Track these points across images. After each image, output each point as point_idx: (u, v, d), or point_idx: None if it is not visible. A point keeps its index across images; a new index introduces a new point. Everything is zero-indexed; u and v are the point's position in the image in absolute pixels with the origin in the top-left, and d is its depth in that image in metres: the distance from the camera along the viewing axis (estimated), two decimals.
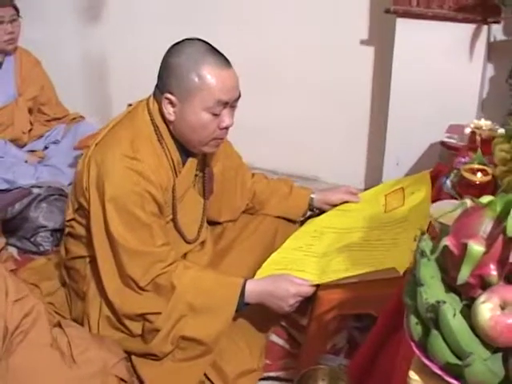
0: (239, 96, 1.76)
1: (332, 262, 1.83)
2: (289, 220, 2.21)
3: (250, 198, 2.19)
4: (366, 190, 2.45)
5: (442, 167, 2.19)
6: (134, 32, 3.43)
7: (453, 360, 0.93)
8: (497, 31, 2.59)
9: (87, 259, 1.86)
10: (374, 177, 3.10)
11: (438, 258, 1.02)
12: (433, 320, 0.94)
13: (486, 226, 0.95)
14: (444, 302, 0.93)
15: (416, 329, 0.98)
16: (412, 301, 1.01)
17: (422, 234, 1.05)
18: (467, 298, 1.00)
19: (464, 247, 0.95)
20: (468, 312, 0.96)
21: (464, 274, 0.94)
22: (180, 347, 1.74)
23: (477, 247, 0.93)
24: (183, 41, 1.75)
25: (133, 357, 1.78)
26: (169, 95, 1.71)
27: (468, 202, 1.00)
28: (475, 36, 2.44)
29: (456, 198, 1.65)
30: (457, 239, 0.97)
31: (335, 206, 2.22)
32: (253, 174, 2.23)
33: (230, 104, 1.74)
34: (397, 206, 2.07)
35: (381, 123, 2.89)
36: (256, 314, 1.87)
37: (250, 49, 3.10)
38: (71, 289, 1.94)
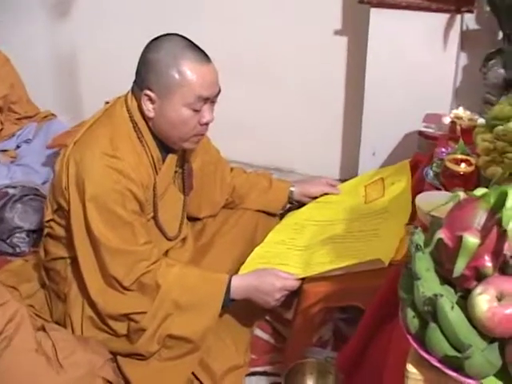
0: (219, 91, 1.76)
1: (315, 255, 1.84)
2: (269, 213, 2.21)
3: (230, 193, 2.18)
4: (341, 181, 2.46)
5: (420, 157, 2.21)
6: (104, 28, 3.37)
7: (451, 352, 0.94)
8: (469, 20, 2.62)
9: (68, 260, 1.83)
10: (350, 168, 3.10)
11: (432, 251, 1.03)
12: (430, 313, 0.95)
13: (480, 218, 0.96)
14: (441, 295, 0.93)
15: (413, 322, 0.99)
16: (408, 294, 1.02)
17: (416, 227, 1.05)
18: (462, 290, 1.01)
19: (459, 240, 0.96)
20: (463, 304, 0.97)
21: (460, 267, 0.95)
22: (166, 346, 1.73)
23: (472, 239, 0.94)
24: (162, 36, 1.73)
25: (118, 357, 1.76)
26: (148, 92, 1.69)
27: (461, 194, 1.00)
28: (449, 25, 2.45)
29: (440, 189, 1.66)
30: (451, 232, 0.98)
31: (315, 198, 2.23)
32: (231, 169, 2.22)
33: (211, 99, 1.73)
34: (377, 196, 2.08)
35: (356, 114, 2.89)
36: (240, 309, 1.86)
37: (223, 42, 3.08)
38: (51, 290, 1.91)
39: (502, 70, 2.37)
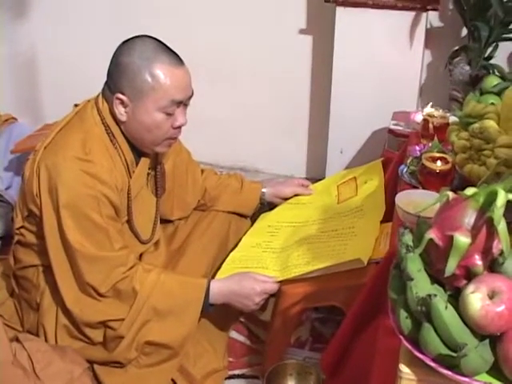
0: (192, 94, 1.75)
1: (292, 257, 1.85)
2: (241, 215, 2.22)
3: (202, 195, 2.18)
4: (309, 179, 2.48)
5: (390, 154, 2.24)
6: (64, 27, 3.32)
7: (445, 351, 0.96)
8: (433, 18, 2.67)
9: (40, 268, 1.80)
10: (317, 166, 3.13)
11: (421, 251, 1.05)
12: (424, 313, 0.97)
13: (470, 217, 0.98)
14: (435, 295, 0.95)
15: (405, 323, 1.01)
16: (399, 295, 1.03)
17: (405, 227, 1.07)
18: (451, 289, 1.03)
19: (450, 239, 0.98)
20: (454, 303, 0.99)
21: (451, 266, 0.97)
22: (145, 353, 1.71)
23: (463, 239, 0.96)
24: (133, 38, 1.71)
25: (95, 366, 1.74)
26: (120, 95, 1.67)
27: (449, 193, 1.03)
28: (414, 24, 2.50)
29: (417, 187, 1.68)
30: (441, 232, 1.00)
31: (287, 199, 2.25)
32: (202, 171, 2.22)
33: (184, 103, 1.73)
34: (350, 196, 2.11)
35: (323, 111, 2.92)
36: (216, 312, 1.86)
37: (186, 40, 3.06)
38: (22, 299, 1.87)
39: (467, 67, 2.43)
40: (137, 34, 1.73)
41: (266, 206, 2.27)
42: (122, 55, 1.68)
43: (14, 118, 2.97)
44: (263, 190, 2.22)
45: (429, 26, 2.67)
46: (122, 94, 1.67)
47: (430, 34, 2.70)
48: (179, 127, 1.76)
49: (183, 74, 1.70)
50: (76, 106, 1.84)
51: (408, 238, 1.06)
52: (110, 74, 1.71)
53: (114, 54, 1.71)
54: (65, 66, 3.37)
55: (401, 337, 1.02)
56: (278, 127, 3.23)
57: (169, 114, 1.70)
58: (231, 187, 2.20)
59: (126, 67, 1.66)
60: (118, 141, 1.74)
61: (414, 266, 1.01)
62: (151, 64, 1.65)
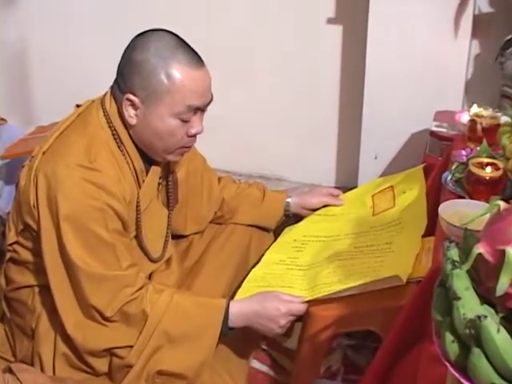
0: (211, 99, 1.77)
1: (321, 275, 1.86)
2: (263, 228, 2.25)
3: (219, 206, 2.21)
4: (341, 189, 2.49)
5: (432, 160, 2.25)
6: (57, 21, 3.38)
7: (498, 380, 0.96)
8: (482, 3, 2.66)
9: (36, 289, 1.83)
10: (348, 174, 3.14)
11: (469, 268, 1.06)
12: (473, 337, 0.98)
13: None
14: (485, 317, 0.96)
15: (452, 348, 1.02)
16: (444, 317, 1.05)
17: (450, 241, 1.09)
18: (503, 310, 1.04)
19: (501, 254, 0.99)
20: (507, 325, 1.00)
21: (503, 284, 0.98)
22: None
23: None
24: (149, 32, 1.72)
25: None
26: (131, 96, 1.69)
27: (500, 203, 1.04)
28: (460, 9, 2.50)
29: (463, 197, 1.69)
30: (492, 246, 1.01)
31: (315, 210, 2.27)
32: (219, 179, 2.25)
33: (201, 109, 1.75)
34: (386, 207, 2.12)
35: (355, 112, 2.93)
36: (236, 336, 1.88)
37: (201, 34, 3.10)
38: (14, 325, 1.89)
39: None
40: (150, 28, 1.74)
41: (291, 218, 2.29)
42: (136, 51, 1.69)
43: (2, 119, 2.99)
44: (288, 200, 2.25)
45: (477, 11, 2.66)
46: (134, 94, 1.69)
47: (479, 21, 2.68)
48: (195, 135, 1.78)
49: (203, 76, 1.72)
50: (78, 106, 1.86)
51: (454, 253, 1.07)
52: (121, 71, 1.73)
53: (127, 48, 1.73)
54: (60, 60, 3.43)
55: (447, 364, 1.02)
56: (303, 129, 3.25)
57: (184, 121, 1.72)
58: (252, 197, 2.23)
59: (139, 65, 1.68)
60: (126, 147, 1.77)
61: (461, 283, 1.02)
62: (168, 63, 1.66)
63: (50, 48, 3.44)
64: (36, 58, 3.51)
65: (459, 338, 1.01)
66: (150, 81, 1.67)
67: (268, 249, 2.14)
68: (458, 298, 1.01)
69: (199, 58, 1.72)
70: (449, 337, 1.02)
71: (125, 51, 1.73)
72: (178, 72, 1.67)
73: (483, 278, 1.03)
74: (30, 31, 3.45)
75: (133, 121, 1.73)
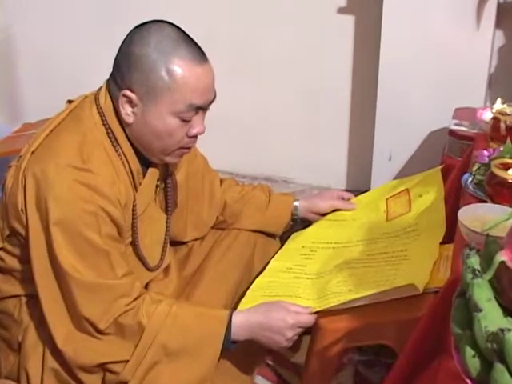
0: (215, 97, 1.77)
1: (330, 284, 1.87)
2: (268, 234, 2.25)
3: (221, 210, 2.21)
4: (352, 192, 2.49)
5: (451, 161, 2.25)
6: (45, 10, 3.38)
7: None
8: None
9: (23, 299, 1.84)
10: (360, 176, 3.14)
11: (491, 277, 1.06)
12: (496, 351, 0.98)
13: None
14: (509, 330, 0.96)
15: (473, 363, 1.02)
16: (464, 330, 1.05)
17: (470, 248, 1.09)
18: None
19: None
20: None
21: None
22: None
23: None
24: (149, 24, 1.72)
25: None
26: (128, 92, 1.70)
27: None
28: None
29: (485, 201, 1.69)
30: None
31: (324, 215, 2.28)
32: (221, 181, 2.26)
33: (203, 108, 1.75)
34: (401, 212, 2.12)
35: (368, 109, 2.93)
36: (239, 350, 1.87)
37: (200, 24, 3.10)
38: None
39: None
40: (148, 16, 1.75)
41: (299, 223, 2.30)
42: (135, 44, 1.70)
43: None
44: (295, 203, 2.26)
45: None
46: (131, 91, 1.70)
47: (503, 9, 2.66)
48: (195, 136, 1.78)
49: (206, 73, 1.72)
50: (70, 102, 1.86)
51: (475, 261, 1.07)
52: (118, 64, 1.73)
53: (125, 40, 1.73)
54: (49, 51, 3.43)
55: (467, 381, 1.02)
56: (311, 127, 3.24)
57: (184, 121, 1.72)
58: (256, 200, 2.24)
59: (138, 59, 1.68)
60: (121, 146, 1.77)
61: (483, 294, 1.02)
62: (169, 58, 1.67)
63: (38, 38, 3.44)
64: (22, 49, 3.51)
65: (480, 353, 1.01)
66: (150, 77, 1.67)
67: (274, 256, 2.15)
68: (479, 310, 1.01)
69: (202, 52, 1.73)
70: (469, 351, 1.02)
71: (122, 43, 1.73)
72: (180, 68, 1.67)
73: (506, 287, 1.04)
74: (16, 19, 3.45)
75: (129, 119, 1.73)
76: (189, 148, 1.82)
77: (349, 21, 2.99)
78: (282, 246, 2.23)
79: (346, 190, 2.66)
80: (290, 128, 3.28)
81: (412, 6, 2.62)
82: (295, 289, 1.92)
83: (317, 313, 1.80)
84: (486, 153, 1.88)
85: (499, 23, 2.70)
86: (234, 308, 1.90)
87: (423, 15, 2.61)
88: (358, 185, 3.12)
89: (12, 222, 1.76)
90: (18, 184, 1.72)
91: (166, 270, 2.04)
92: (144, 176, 1.85)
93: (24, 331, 1.82)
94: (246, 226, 2.21)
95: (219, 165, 2.99)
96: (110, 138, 1.76)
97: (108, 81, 1.79)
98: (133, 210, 1.82)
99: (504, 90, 2.52)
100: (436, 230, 1.92)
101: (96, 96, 1.79)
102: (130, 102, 1.71)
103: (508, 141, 1.83)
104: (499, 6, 2.60)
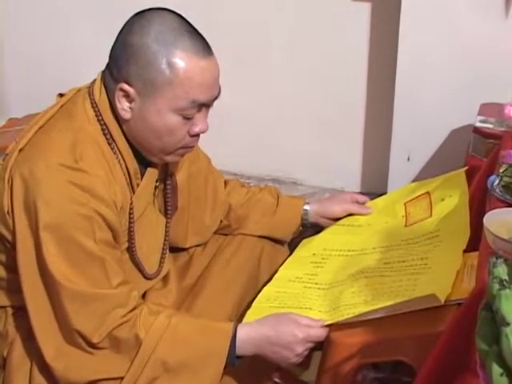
0: (219, 93, 1.77)
1: (344, 295, 1.87)
2: (276, 240, 2.26)
3: (224, 214, 2.22)
4: (364, 194, 2.49)
5: (476, 161, 2.25)
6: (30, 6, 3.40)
7: None
8: None
9: (9, 310, 1.84)
10: (376, 177, 3.14)
11: None
12: None
13: None
14: None
15: (500, 381, 1.02)
16: (491, 345, 1.05)
17: (497, 256, 1.09)
18: None
19: None
20: None
21: None
22: None
23: None
24: (149, 12, 1.72)
25: None
26: (125, 86, 1.69)
27: None
28: None
29: None
30: None
31: (337, 220, 2.28)
32: (226, 182, 2.26)
33: (207, 104, 1.75)
34: (422, 217, 2.12)
35: (384, 106, 2.93)
36: (244, 367, 1.87)
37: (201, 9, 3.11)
38: None
39: None
40: (151, 7, 1.73)
41: (309, 228, 2.31)
42: (133, 34, 1.69)
43: None
44: (305, 207, 2.26)
45: None
46: (129, 84, 1.69)
47: None
48: (198, 134, 1.78)
49: (211, 66, 1.72)
50: (61, 95, 1.86)
51: (502, 271, 1.07)
52: (115, 55, 1.73)
53: (123, 29, 1.73)
54: (38, 40, 3.43)
55: None
56: (323, 124, 3.24)
57: (186, 118, 1.72)
58: (263, 204, 2.24)
59: (136, 51, 1.68)
60: (117, 144, 1.77)
61: (511, 306, 1.03)
62: (170, 50, 1.66)
63: (26, 25, 3.44)
64: (8, 37, 3.51)
65: (509, 371, 1.02)
66: (149, 70, 1.67)
67: (282, 264, 2.15)
68: (507, 324, 1.01)
69: (207, 45, 1.72)
70: (496, 369, 1.03)
71: (120, 33, 1.73)
72: (182, 61, 1.67)
73: None
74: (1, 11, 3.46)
75: (126, 115, 1.73)
76: (191, 147, 1.83)
77: (365, 9, 2.98)
78: (290, 253, 2.23)
79: (361, 193, 2.65)
80: (300, 125, 3.28)
81: None
82: (306, 300, 1.92)
83: (329, 326, 1.80)
84: None
85: None
86: (239, 320, 1.89)
87: (446, 3, 2.61)
88: (374, 187, 3.12)
89: None
90: (3, 185, 1.72)
91: (165, 278, 2.05)
92: (142, 176, 1.86)
93: (9, 345, 1.82)
94: (251, 232, 2.22)
95: (222, 165, 3.01)
96: (105, 135, 1.76)
97: (103, 73, 1.78)
98: (129, 214, 1.82)
99: None
100: (459, 236, 1.91)
101: (90, 89, 1.78)
102: (127, 96, 1.71)
103: None
104: None
